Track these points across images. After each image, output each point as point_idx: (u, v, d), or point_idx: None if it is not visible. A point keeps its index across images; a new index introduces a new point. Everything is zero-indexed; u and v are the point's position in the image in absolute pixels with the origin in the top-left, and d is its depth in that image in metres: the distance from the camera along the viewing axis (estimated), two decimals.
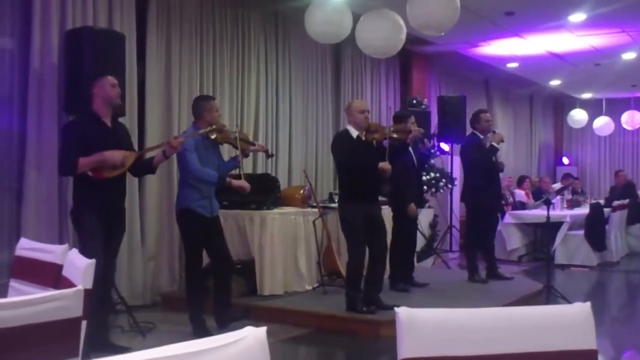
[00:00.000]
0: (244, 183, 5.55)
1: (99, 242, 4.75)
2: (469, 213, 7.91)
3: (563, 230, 10.08)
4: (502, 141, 7.85)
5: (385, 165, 5.85)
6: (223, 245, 5.63)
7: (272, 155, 6.36)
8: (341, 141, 6.11)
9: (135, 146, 5.98)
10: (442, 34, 7.21)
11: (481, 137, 7.75)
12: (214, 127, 5.42)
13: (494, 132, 7.85)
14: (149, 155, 5.36)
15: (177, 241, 7.20)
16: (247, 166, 7.42)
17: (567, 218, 10.19)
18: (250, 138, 6.61)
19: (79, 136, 4.80)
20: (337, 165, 6.27)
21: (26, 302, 2.03)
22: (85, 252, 3.41)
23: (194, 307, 5.53)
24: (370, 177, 5.96)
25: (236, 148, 5.63)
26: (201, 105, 5.62)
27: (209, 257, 5.65)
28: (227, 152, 6.81)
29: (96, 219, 4.79)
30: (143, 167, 5.23)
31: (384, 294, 6.23)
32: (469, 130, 10.58)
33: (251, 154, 6.31)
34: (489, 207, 7.89)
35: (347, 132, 6.10)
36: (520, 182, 12.19)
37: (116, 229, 5.02)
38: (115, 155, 4.78)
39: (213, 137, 5.43)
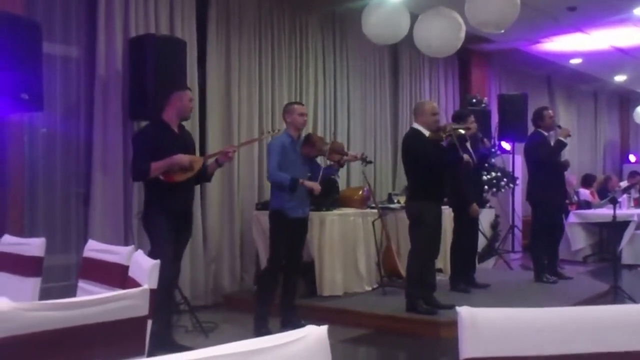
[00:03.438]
0: (315, 185, 5.58)
1: (169, 245, 4.90)
2: (535, 212, 7.78)
3: (630, 229, 9.78)
4: (569, 135, 7.66)
5: (468, 158, 6.01)
6: (300, 247, 5.78)
7: (370, 162, 6.41)
8: (417, 141, 6.01)
9: (197, 151, 6.09)
10: (502, 31, 7.11)
11: (545, 134, 7.61)
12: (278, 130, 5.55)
13: (559, 126, 7.68)
14: (210, 161, 5.47)
15: (238, 243, 7.30)
16: None
17: (635, 217, 9.89)
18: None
19: (150, 143, 4.95)
20: (413, 165, 6.11)
21: (94, 302, 2.09)
22: (157, 255, 3.48)
23: (263, 305, 5.61)
24: (444, 175, 6.05)
25: (329, 159, 5.74)
26: (285, 109, 5.79)
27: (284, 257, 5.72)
28: None
29: (166, 223, 4.93)
30: (200, 175, 5.34)
31: (445, 295, 6.18)
32: (531, 128, 10.44)
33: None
34: (556, 206, 7.77)
35: (419, 131, 6.04)
36: (586, 181, 11.89)
37: (184, 232, 5.17)
38: (184, 158, 4.94)
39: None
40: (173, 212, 4.97)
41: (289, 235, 5.58)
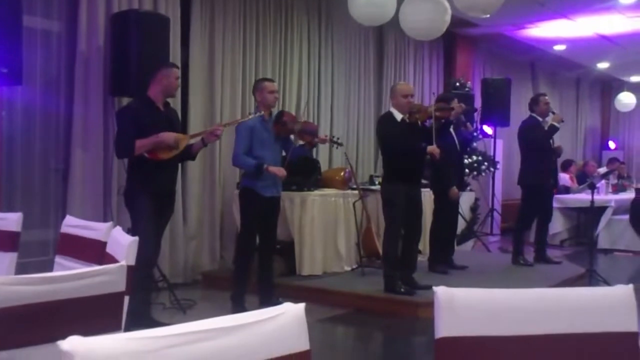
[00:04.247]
0: (279, 170, 5.50)
1: (151, 223, 4.88)
2: (525, 195, 7.87)
3: (607, 214, 9.90)
4: (562, 121, 7.81)
5: (434, 149, 5.87)
6: (274, 226, 5.73)
7: (340, 144, 6.40)
8: (386, 124, 6.09)
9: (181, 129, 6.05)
10: (488, 15, 7.09)
11: (540, 119, 7.71)
12: (262, 112, 5.47)
13: (553, 112, 7.79)
14: (194, 140, 5.44)
15: (218, 221, 7.30)
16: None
17: (612, 202, 10.01)
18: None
19: (135, 120, 4.89)
20: (382, 148, 6.30)
21: (71, 277, 2.08)
22: (138, 233, 3.48)
23: (239, 283, 5.60)
24: (415, 159, 6.00)
25: (301, 140, 5.70)
26: (255, 87, 5.73)
27: (258, 236, 5.70)
28: None
29: (149, 201, 4.89)
30: (184, 153, 5.30)
31: (423, 276, 6.24)
32: (514, 113, 10.50)
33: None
34: (547, 190, 7.90)
35: (391, 114, 6.09)
36: (565, 167, 11.99)
37: (165, 210, 5.13)
38: (170, 136, 4.89)
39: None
40: (156, 190, 4.93)
41: (260, 214, 5.53)
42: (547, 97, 7.92)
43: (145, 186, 4.92)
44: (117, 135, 5.04)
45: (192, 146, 5.26)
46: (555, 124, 7.58)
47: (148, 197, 4.90)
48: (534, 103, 7.85)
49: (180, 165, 6.66)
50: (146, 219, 4.87)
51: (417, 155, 5.99)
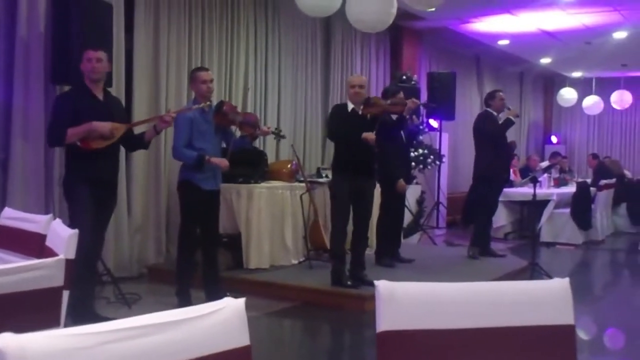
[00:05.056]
0: (222, 162, 5.43)
1: (88, 214, 4.73)
2: (480, 188, 7.96)
3: (549, 208, 10.12)
4: (518, 116, 8.01)
5: (368, 135, 5.79)
6: (215, 219, 5.65)
7: (282, 137, 6.37)
8: (334, 113, 6.24)
9: (127, 118, 5.93)
10: (433, 9, 7.18)
11: (495, 114, 7.85)
12: (208, 103, 5.37)
13: (509, 108, 7.94)
14: (140, 129, 5.32)
15: (164, 213, 7.20)
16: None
17: (554, 196, 10.23)
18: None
19: (69, 108, 4.75)
20: (328, 137, 6.45)
21: (7, 271, 2.03)
22: (75, 224, 3.41)
23: (183, 279, 5.53)
24: (359, 150, 5.90)
25: (241, 131, 5.63)
26: (190, 77, 5.62)
27: (199, 230, 5.63)
28: None
29: (86, 191, 4.75)
30: (135, 142, 5.19)
31: (369, 269, 6.27)
32: (459, 107, 10.66)
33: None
34: (498, 184, 8.06)
35: (344, 105, 6.18)
36: None
37: (107, 201, 4.99)
38: (104, 125, 4.74)
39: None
40: (94, 180, 4.79)
41: (200, 207, 5.44)
42: (502, 93, 8.04)
43: (81, 175, 4.77)
44: (49, 123, 4.90)
45: (145, 134, 5.15)
46: (512, 117, 7.74)
47: (86, 187, 4.75)
48: (490, 98, 7.97)
49: (125, 155, 6.60)
50: (83, 209, 4.72)
51: (359, 146, 5.86)
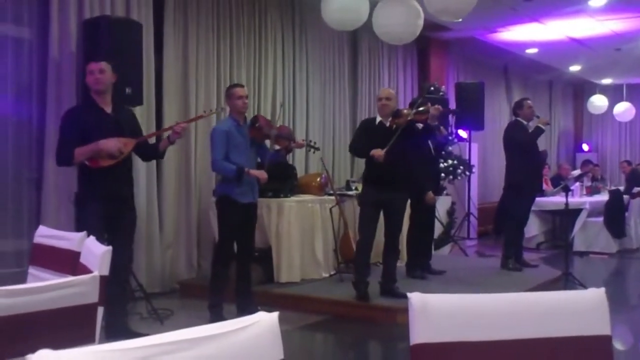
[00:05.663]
0: (261, 174, 5.49)
1: (95, 232, 4.69)
2: (511, 197, 7.87)
3: (582, 217, 9.99)
4: (548, 124, 7.92)
5: (376, 152, 5.74)
6: (252, 232, 5.69)
7: (317, 149, 6.42)
8: (359, 126, 6.42)
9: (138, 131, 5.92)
10: (460, 19, 7.15)
11: (524, 123, 7.77)
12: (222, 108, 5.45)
13: (538, 116, 7.86)
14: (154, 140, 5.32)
15: (195, 229, 7.25)
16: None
17: (586, 205, 10.10)
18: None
19: (76, 125, 4.71)
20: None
21: (43, 288, 2.05)
22: None
23: (216, 292, 5.54)
24: (381, 162, 5.86)
25: (275, 144, 5.68)
26: (225, 94, 5.72)
27: (236, 244, 5.65)
28: None
29: (96, 208, 4.68)
30: (150, 152, 5.18)
31: (400, 282, 6.23)
32: (487, 117, 10.59)
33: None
34: (530, 193, 7.97)
35: (372, 118, 6.26)
36: None
37: (123, 215, 4.89)
38: (110, 143, 4.67)
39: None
40: (106, 196, 4.72)
41: (238, 222, 5.48)
42: (530, 102, 7.97)
43: (91, 194, 4.72)
44: (57, 142, 4.84)
45: (159, 144, 5.11)
46: (541, 126, 7.64)
47: (97, 204, 4.68)
48: (517, 107, 7.90)
49: (156, 172, 6.67)
50: (89, 227, 4.67)
51: (368, 157, 5.91)
